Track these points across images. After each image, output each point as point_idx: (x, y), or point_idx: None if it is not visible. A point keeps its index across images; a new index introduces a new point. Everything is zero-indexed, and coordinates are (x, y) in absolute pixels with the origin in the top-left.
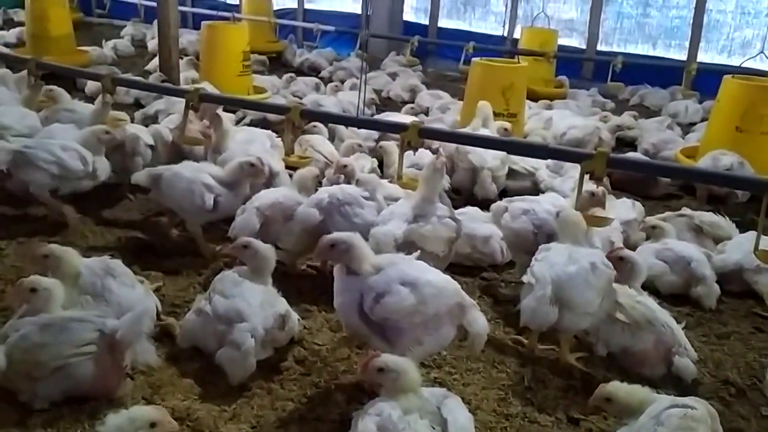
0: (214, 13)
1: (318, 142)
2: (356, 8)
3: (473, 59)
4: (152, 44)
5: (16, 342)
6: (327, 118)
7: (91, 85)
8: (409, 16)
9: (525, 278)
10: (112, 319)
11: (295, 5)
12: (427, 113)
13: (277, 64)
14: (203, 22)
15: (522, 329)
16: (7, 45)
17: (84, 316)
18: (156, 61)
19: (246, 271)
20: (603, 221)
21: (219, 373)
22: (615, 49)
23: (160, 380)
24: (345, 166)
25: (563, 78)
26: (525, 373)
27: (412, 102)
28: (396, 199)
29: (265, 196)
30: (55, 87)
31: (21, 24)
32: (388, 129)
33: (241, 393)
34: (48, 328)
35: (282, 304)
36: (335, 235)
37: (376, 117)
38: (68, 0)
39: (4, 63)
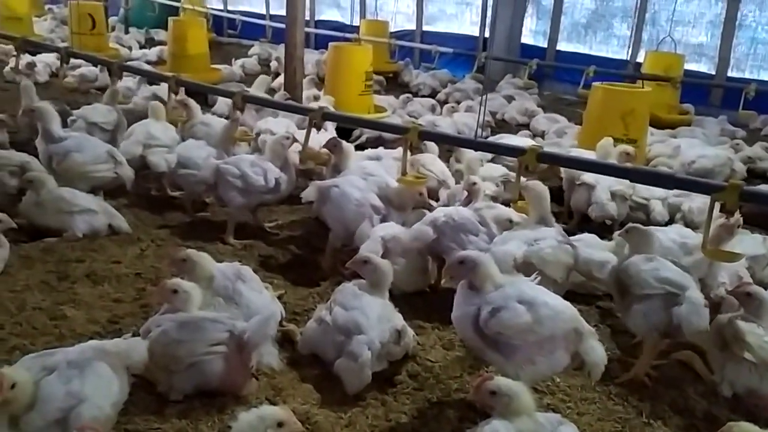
0: (334, 34)
1: (429, 161)
2: (474, 30)
3: (593, 83)
4: (276, 64)
5: (157, 337)
6: (444, 140)
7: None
8: (527, 39)
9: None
10: (241, 321)
11: (413, 27)
12: (543, 137)
13: (393, 84)
14: (330, 43)
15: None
16: (149, 62)
17: (217, 317)
18: (281, 79)
19: (365, 285)
20: (733, 257)
21: (336, 381)
22: (747, 75)
23: (282, 383)
24: (474, 183)
25: (688, 105)
26: (643, 408)
27: (528, 125)
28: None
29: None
30: (191, 102)
31: (161, 43)
32: (506, 152)
33: (357, 402)
34: (185, 326)
35: (398, 319)
36: (465, 252)
37: (495, 140)
38: (205, 22)
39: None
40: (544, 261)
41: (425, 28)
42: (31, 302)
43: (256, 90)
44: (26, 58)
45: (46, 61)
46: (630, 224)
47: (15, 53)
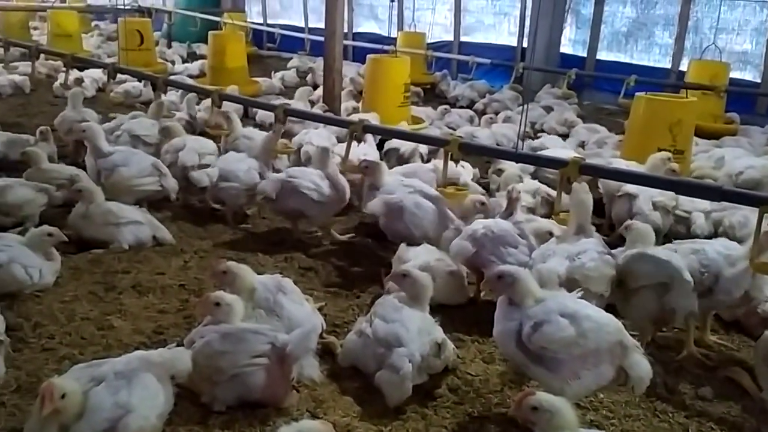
0: (372, 46)
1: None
2: (512, 41)
3: (637, 93)
4: (314, 76)
5: (201, 348)
6: (485, 152)
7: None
8: (566, 48)
9: None
10: (282, 334)
11: (450, 38)
12: (583, 147)
13: (430, 95)
14: (368, 56)
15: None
16: (190, 76)
17: (259, 329)
18: (319, 91)
19: (405, 298)
20: None
21: (376, 394)
22: None
23: (323, 395)
24: (513, 192)
25: (733, 114)
26: (689, 425)
27: (567, 135)
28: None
29: (480, 224)
30: (232, 113)
31: (202, 57)
32: (547, 164)
33: (397, 415)
34: (228, 337)
35: (439, 332)
36: (504, 267)
37: (536, 151)
38: (245, 35)
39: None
40: (588, 277)
41: (462, 38)
42: (80, 312)
43: (298, 101)
44: (74, 73)
45: (93, 76)
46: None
47: (64, 69)
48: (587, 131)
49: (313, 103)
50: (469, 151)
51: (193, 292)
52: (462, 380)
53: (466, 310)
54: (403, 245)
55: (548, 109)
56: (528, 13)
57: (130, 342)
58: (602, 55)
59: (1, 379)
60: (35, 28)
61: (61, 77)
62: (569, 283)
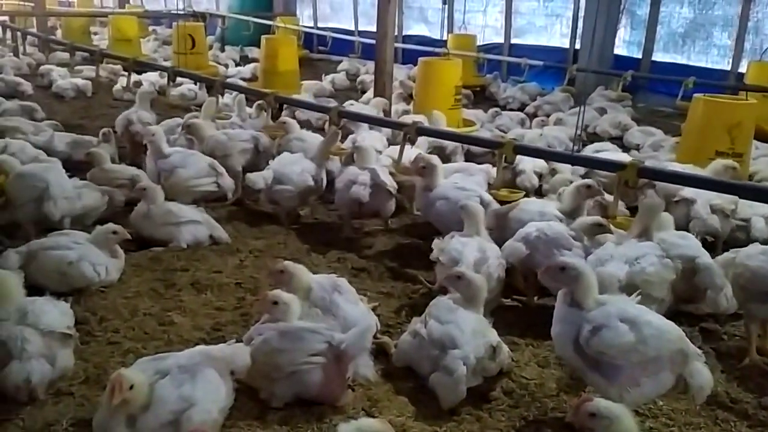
0: (422, 48)
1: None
2: (564, 42)
3: (695, 95)
4: (364, 78)
5: (259, 345)
6: (540, 154)
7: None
8: (620, 50)
9: None
10: (338, 333)
11: (501, 40)
12: (638, 150)
13: (480, 97)
14: (420, 58)
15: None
16: (243, 79)
17: (315, 328)
18: (370, 94)
19: (459, 299)
20: None
21: (431, 395)
22: None
23: (377, 395)
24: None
25: None
26: None
27: (620, 138)
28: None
29: (533, 226)
30: (288, 118)
31: (255, 60)
32: (603, 167)
33: (451, 417)
34: (285, 335)
35: (493, 335)
36: (568, 259)
37: (591, 154)
38: (296, 39)
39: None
40: (649, 282)
41: (513, 41)
42: (142, 308)
43: (373, 108)
44: (133, 76)
45: (151, 79)
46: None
47: (125, 73)
48: (642, 134)
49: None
50: (523, 153)
51: (249, 290)
52: (517, 384)
53: (520, 313)
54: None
55: (601, 112)
56: (581, 14)
57: (190, 338)
58: (658, 56)
59: (70, 371)
60: (95, 33)
61: (122, 80)
62: (629, 288)
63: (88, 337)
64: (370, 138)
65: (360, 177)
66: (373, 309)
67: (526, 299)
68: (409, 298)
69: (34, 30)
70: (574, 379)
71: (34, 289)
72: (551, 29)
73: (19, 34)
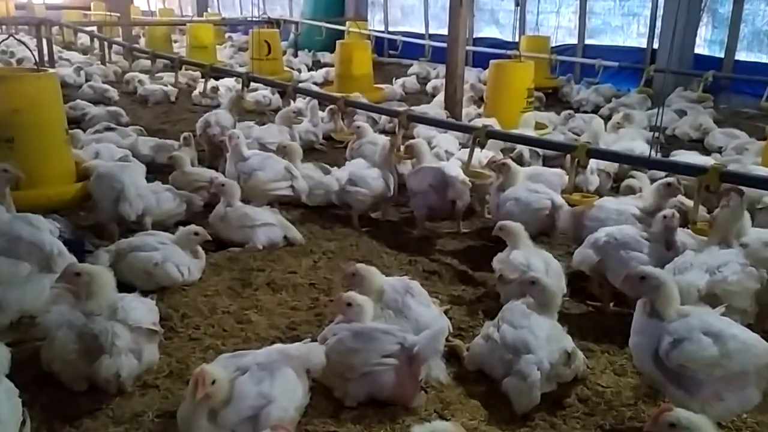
0: (494, 51)
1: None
2: (641, 42)
3: None
4: (434, 82)
5: (334, 345)
6: (616, 158)
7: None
8: (701, 49)
9: None
10: (411, 335)
11: (574, 41)
12: (720, 153)
13: (552, 99)
14: (491, 61)
15: None
16: (315, 83)
17: (389, 329)
18: (440, 97)
19: (533, 305)
20: None
21: (503, 399)
22: None
23: (450, 397)
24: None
25: None
26: None
27: (701, 141)
28: None
29: (603, 232)
30: (361, 123)
31: (326, 65)
32: (684, 171)
33: (525, 422)
34: (359, 335)
35: (568, 341)
36: (649, 269)
37: (672, 158)
38: (370, 44)
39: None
40: (731, 292)
41: (587, 41)
42: (221, 306)
43: (434, 106)
44: (211, 82)
45: (227, 85)
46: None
47: (203, 79)
48: (724, 136)
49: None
50: (598, 157)
51: (323, 291)
52: (592, 391)
53: (595, 319)
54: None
55: (681, 113)
56: (659, 13)
57: (267, 336)
58: (741, 55)
59: (155, 365)
60: (175, 41)
61: (200, 86)
62: (709, 299)
63: (170, 332)
64: (443, 140)
65: (437, 175)
66: (445, 312)
67: (600, 305)
68: (480, 302)
69: (120, 39)
70: (652, 388)
71: (121, 285)
72: (627, 29)
73: (106, 43)
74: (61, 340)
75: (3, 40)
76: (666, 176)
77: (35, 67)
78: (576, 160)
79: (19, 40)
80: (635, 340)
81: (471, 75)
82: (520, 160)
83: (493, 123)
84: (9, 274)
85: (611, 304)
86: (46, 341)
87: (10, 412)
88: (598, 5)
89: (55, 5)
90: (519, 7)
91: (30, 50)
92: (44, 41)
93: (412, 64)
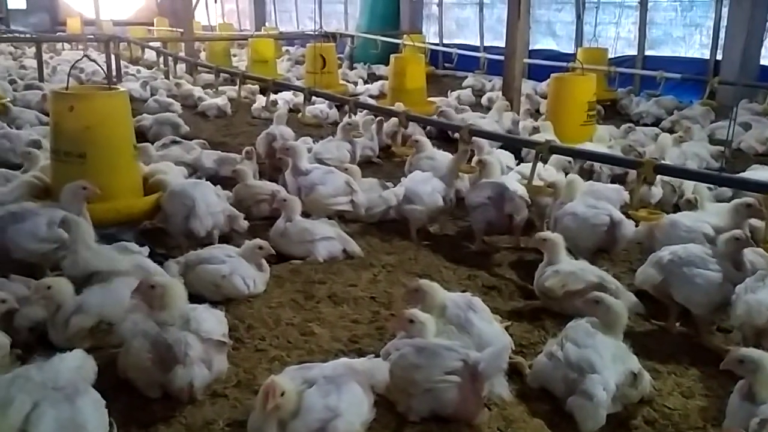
0: (550, 63)
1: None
2: (704, 53)
3: None
4: (489, 95)
5: (397, 360)
6: (685, 175)
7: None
8: (766, 60)
9: None
10: (474, 351)
11: (634, 52)
12: None
13: (611, 112)
14: (552, 74)
15: None
16: (371, 96)
17: (451, 345)
18: (497, 110)
19: (597, 324)
20: None
21: (568, 419)
22: None
23: (513, 415)
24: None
25: None
26: None
27: (767, 155)
28: None
29: (666, 250)
30: (420, 137)
31: (381, 78)
32: (757, 189)
33: None
34: (422, 351)
35: (634, 362)
36: (747, 351)
37: (744, 174)
38: (424, 57)
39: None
40: None
41: (648, 52)
42: (285, 318)
43: (495, 114)
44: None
45: (286, 98)
46: None
47: (261, 93)
48: None
49: None
50: (665, 173)
51: (383, 304)
52: (659, 413)
53: (660, 339)
54: None
55: (746, 126)
56: (723, 23)
57: (330, 349)
58: None
59: (223, 374)
60: (234, 55)
61: (262, 100)
62: None
63: (237, 343)
64: (501, 154)
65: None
66: (506, 328)
67: (665, 324)
68: (540, 319)
69: (183, 54)
70: (722, 411)
71: (189, 296)
72: (689, 40)
73: (170, 58)
74: (136, 348)
75: (78, 60)
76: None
77: (106, 83)
78: (643, 176)
79: (93, 60)
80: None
81: (527, 87)
82: (590, 173)
83: (550, 132)
84: None
85: (677, 324)
86: (122, 349)
87: (98, 423)
88: (659, 16)
89: (121, 22)
90: (577, 19)
91: (102, 69)
92: (112, 56)
93: (466, 77)
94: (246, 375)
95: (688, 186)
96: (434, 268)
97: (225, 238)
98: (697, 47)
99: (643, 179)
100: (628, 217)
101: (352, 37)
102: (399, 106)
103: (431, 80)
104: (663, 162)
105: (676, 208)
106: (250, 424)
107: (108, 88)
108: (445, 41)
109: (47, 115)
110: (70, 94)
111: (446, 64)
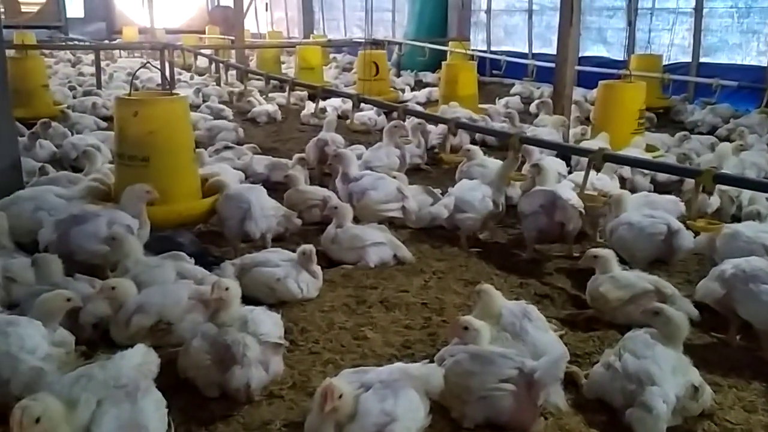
0: (601, 71)
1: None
2: (761, 61)
3: None
4: (536, 103)
5: (451, 366)
6: (746, 184)
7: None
8: None
9: None
10: (529, 360)
11: (688, 59)
12: None
13: (664, 120)
14: (600, 82)
15: None
16: (418, 103)
17: (506, 353)
18: (547, 118)
19: (657, 335)
20: None
21: (626, 430)
22: None
23: (569, 425)
24: None
25: None
26: None
27: None
28: None
29: (729, 264)
30: (471, 146)
31: (428, 85)
32: None
33: None
34: (477, 358)
35: (695, 375)
36: None
37: None
38: (475, 64)
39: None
40: None
41: (703, 59)
42: (337, 322)
43: (552, 128)
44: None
45: (334, 105)
46: None
47: (309, 99)
48: None
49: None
50: (725, 183)
51: (435, 311)
52: (720, 427)
53: (721, 352)
54: None
55: None
56: None
57: (383, 353)
58: None
59: (279, 376)
60: (283, 62)
61: (311, 107)
62: None
63: (292, 345)
64: (552, 162)
65: (548, 197)
66: (560, 337)
67: (726, 337)
68: (594, 329)
69: (233, 61)
70: None
71: (244, 298)
72: (747, 47)
73: (222, 65)
74: (195, 348)
75: (139, 68)
76: None
77: (165, 89)
78: (701, 185)
79: (154, 66)
80: None
81: (576, 94)
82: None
83: (604, 140)
84: None
85: (737, 337)
86: (182, 349)
87: (158, 423)
88: (714, 22)
89: (173, 30)
90: (630, 26)
91: (164, 75)
92: (166, 63)
93: (513, 84)
94: (301, 377)
95: (745, 196)
96: (485, 275)
97: (276, 241)
98: (754, 54)
99: (701, 188)
100: (687, 227)
101: (400, 44)
102: (453, 104)
103: (479, 87)
104: (722, 171)
105: (734, 219)
106: (308, 426)
107: (168, 94)
108: (492, 48)
109: (104, 120)
110: (134, 100)
111: (494, 72)
